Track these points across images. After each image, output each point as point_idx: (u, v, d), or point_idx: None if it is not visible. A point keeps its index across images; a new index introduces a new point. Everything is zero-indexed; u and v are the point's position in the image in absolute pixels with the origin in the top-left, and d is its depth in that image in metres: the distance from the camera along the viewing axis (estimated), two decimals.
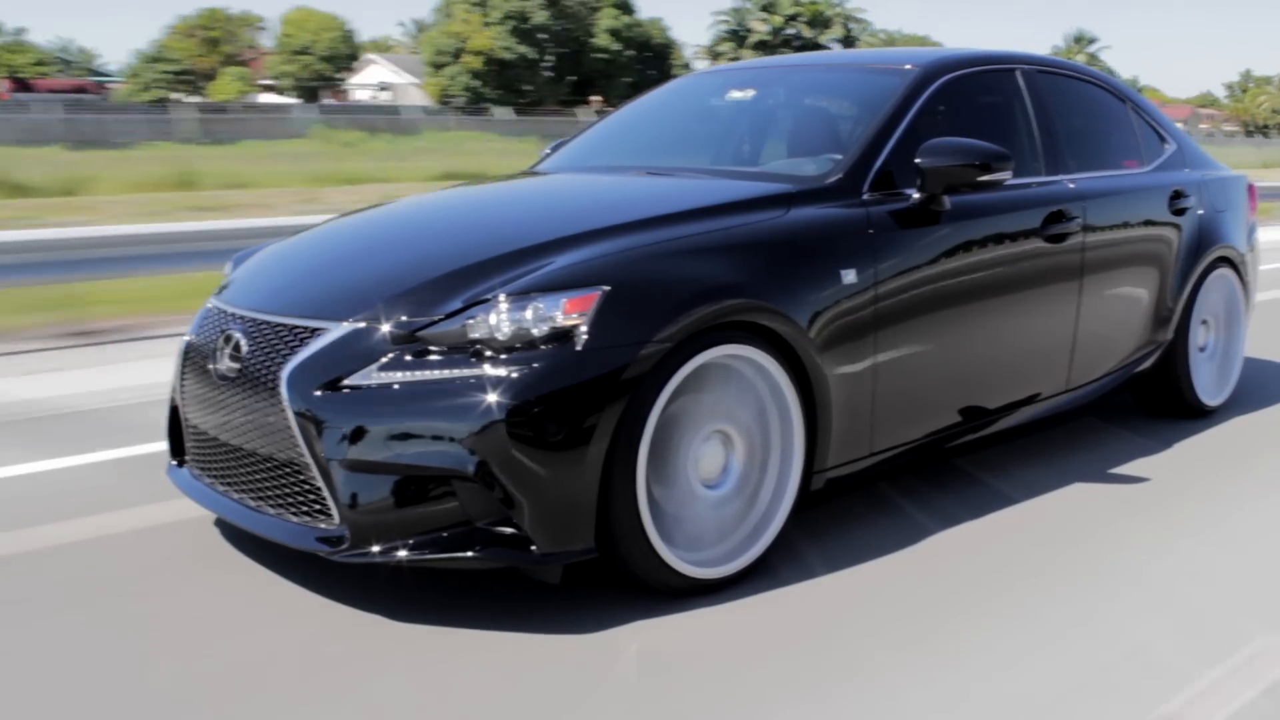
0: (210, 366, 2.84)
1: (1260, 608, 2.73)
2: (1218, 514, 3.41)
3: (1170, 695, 2.27)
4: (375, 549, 2.50)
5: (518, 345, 2.48)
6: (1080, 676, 2.35)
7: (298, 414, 2.54)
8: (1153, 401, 4.48)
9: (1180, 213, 4.32)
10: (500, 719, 2.17)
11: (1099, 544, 3.12)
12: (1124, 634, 2.55)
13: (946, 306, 3.27)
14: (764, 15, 56.30)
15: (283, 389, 2.57)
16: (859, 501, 3.40)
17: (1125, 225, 4.06)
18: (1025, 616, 2.64)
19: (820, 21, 56.67)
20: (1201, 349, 4.55)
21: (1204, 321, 4.55)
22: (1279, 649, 2.50)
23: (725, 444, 2.82)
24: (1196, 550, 3.10)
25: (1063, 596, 2.76)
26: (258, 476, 2.74)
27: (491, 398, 2.43)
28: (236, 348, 2.77)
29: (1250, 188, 4.96)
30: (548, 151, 4.34)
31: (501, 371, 2.45)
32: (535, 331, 2.49)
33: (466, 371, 2.47)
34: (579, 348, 2.48)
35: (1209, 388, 4.56)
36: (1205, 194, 4.50)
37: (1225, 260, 4.57)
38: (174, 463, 3.16)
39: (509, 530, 2.47)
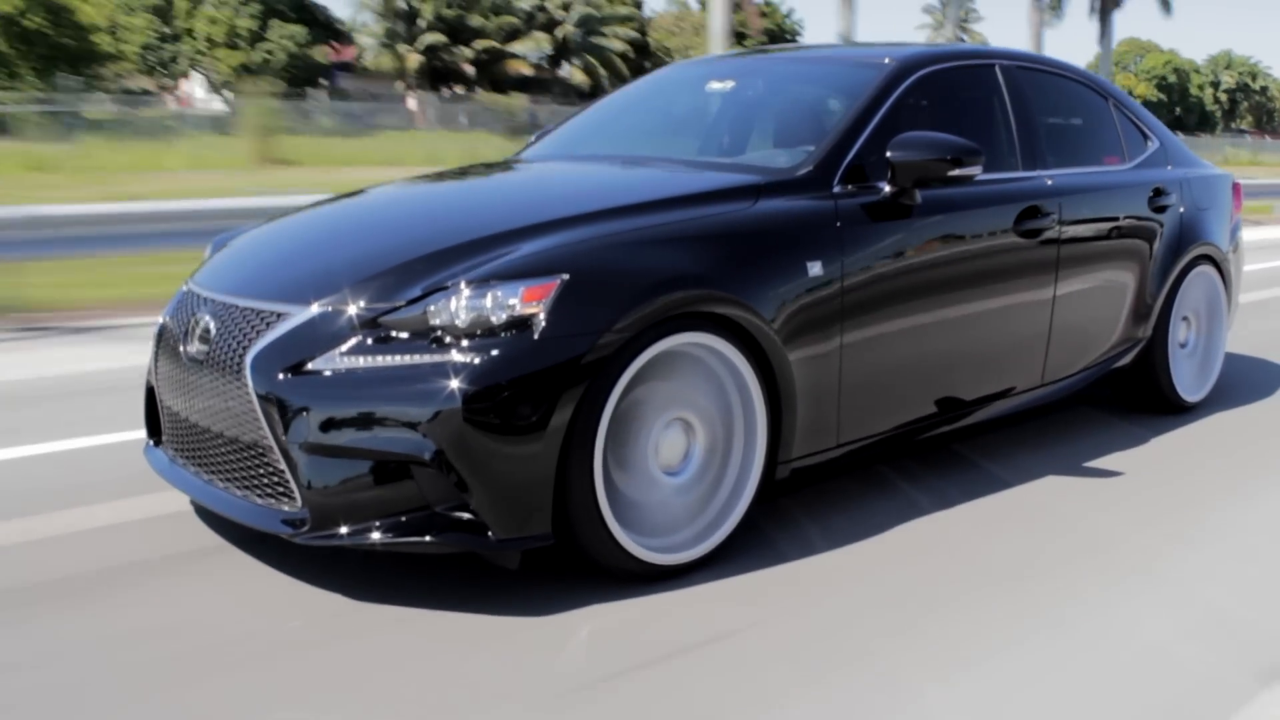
0: (181, 349, 2.89)
1: (1248, 589, 2.78)
2: (1205, 501, 3.44)
3: (1172, 682, 2.33)
4: (336, 532, 2.54)
5: (477, 332, 2.52)
6: (1077, 660, 2.40)
7: (261, 397, 2.58)
8: (1132, 397, 4.50)
9: (1161, 210, 4.33)
10: (454, 700, 2.21)
11: (1091, 528, 3.16)
12: (1120, 617, 2.59)
13: (915, 300, 3.29)
14: None
15: (247, 372, 2.61)
16: (851, 480, 3.44)
17: (1103, 222, 4.07)
18: (1022, 600, 2.70)
19: None
20: (1182, 345, 4.57)
21: (1184, 318, 4.57)
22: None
23: (687, 431, 2.85)
24: (1181, 534, 3.16)
25: (1059, 580, 2.82)
26: (226, 459, 2.78)
27: (450, 384, 2.46)
28: (206, 331, 2.81)
29: (1235, 186, 4.96)
30: (532, 140, 4.37)
31: (460, 358, 2.49)
32: (494, 319, 2.52)
33: (426, 358, 2.50)
34: (536, 335, 2.52)
35: (1189, 384, 4.58)
36: (1187, 192, 4.50)
37: (1206, 258, 4.58)
38: (150, 443, 3.20)
39: (466, 515, 2.51)
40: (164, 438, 3.12)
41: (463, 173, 3.99)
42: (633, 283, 2.65)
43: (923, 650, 2.44)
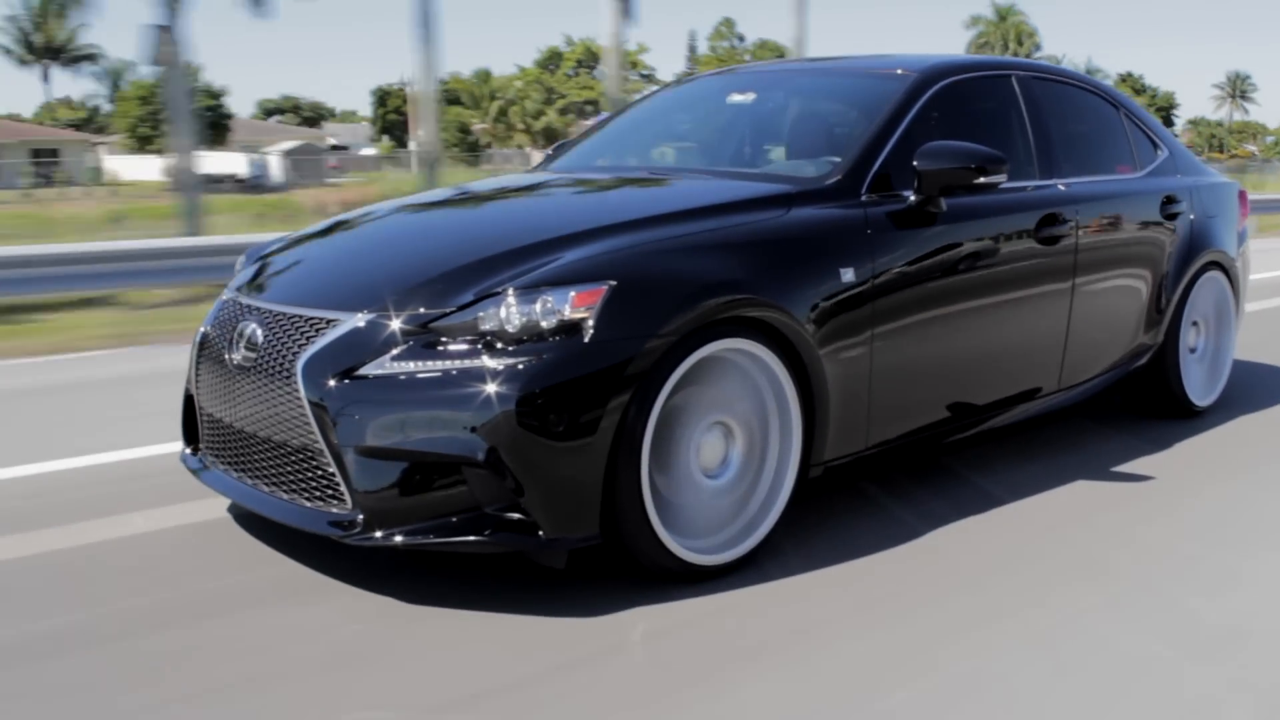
0: (226, 356, 2.93)
1: (1248, 610, 2.82)
2: (1209, 514, 3.50)
3: (1170, 700, 2.32)
4: (386, 533, 2.58)
5: (527, 337, 2.57)
6: (1070, 677, 2.43)
7: (312, 402, 2.62)
8: (1143, 402, 4.57)
9: (1172, 217, 4.41)
10: (510, 700, 2.26)
11: (1088, 544, 3.21)
12: (1113, 635, 2.63)
13: (941, 305, 3.36)
14: None
15: (298, 378, 2.65)
16: (846, 499, 3.48)
17: (1117, 229, 4.15)
18: (1015, 621, 2.72)
19: None
20: (1192, 350, 4.65)
21: (1194, 324, 4.65)
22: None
23: (725, 435, 2.90)
24: (1192, 551, 3.19)
25: (1053, 601, 2.84)
26: (272, 463, 2.82)
27: (501, 388, 2.51)
28: (253, 338, 2.85)
29: (1241, 194, 5.06)
30: (550, 153, 4.43)
31: (511, 362, 2.54)
32: (544, 324, 2.57)
33: (477, 362, 2.55)
34: (586, 340, 2.57)
35: (1199, 389, 4.65)
36: (1196, 199, 4.59)
37: (1216, 264, 4.66)
38: (187, 450, 3.24)
39: (517, 516, 2.56)
40: (202, 445, 3.15)
41: (499, 184, 4.04)
42: (677, 289, 2.71)
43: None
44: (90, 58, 59.48)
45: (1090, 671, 2.39)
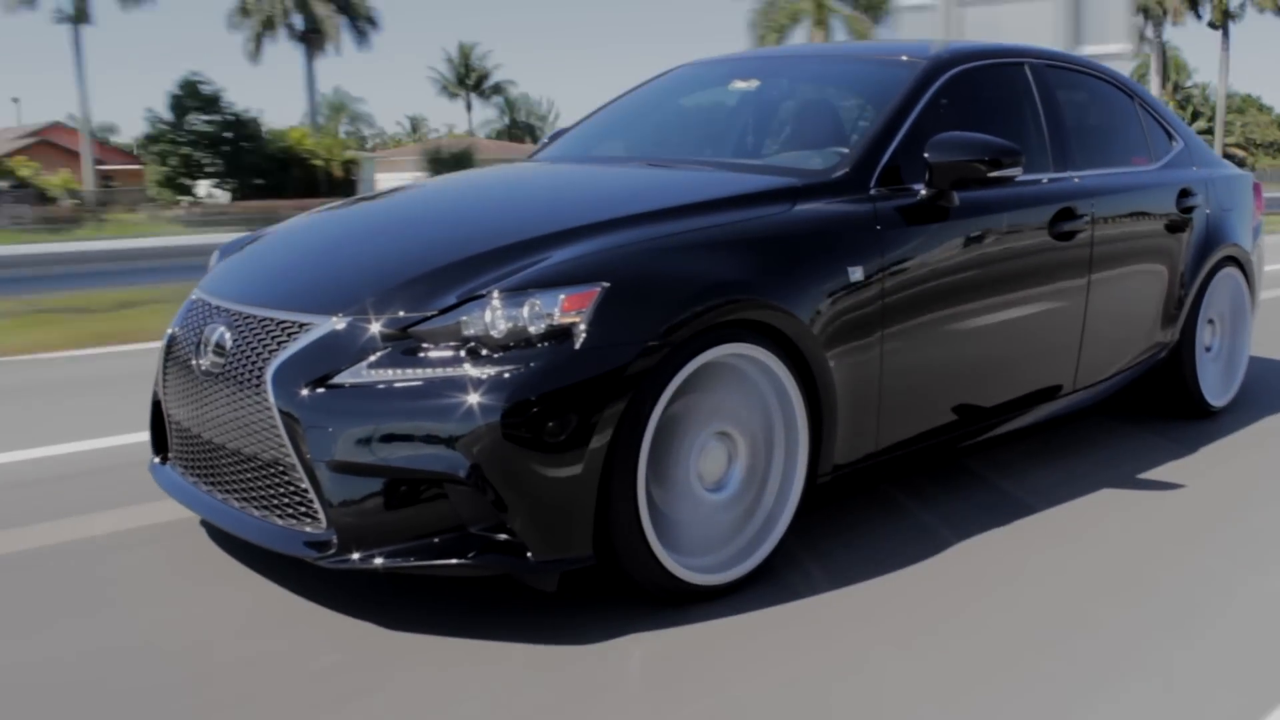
0: (193, 361, 2.74)
1: None
2: (1240, 526, 3.33)
3: None
4: (364, 555, 2.40)
5: (513, 343, 2.38)
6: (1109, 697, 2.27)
7: (283, 412, 2.43)
8: (1157, 402, 4.41)
9: (1188, 211, 4.24)
10: None
11: (1125, 554, 3.04)
12: (1136, 647, 2.47)
13: (954, 304, 3.19)
14: None
15: (268, 386, 2.47)
16: (869, 508, 3.31)
17: (1134, 223, 3.98)
18: (1046, 635, 2.56)
19: None
20: (1207, 349, 4.48)
21: (1210, 321, 4.48)
22: None
23: (728, 446, 2.73)
24: (1221, 566, 3.02)
25: (1090, 616, 2.68)
26: (242, 476, 2.64)
27: (486, 398, 2.33)
28: (221, 342, 2.67)
29: (1256, 186, 4.89)
30: (545, 140, 4.24)
31: (497, 371, 2.35)
32: (532, 329, 2.39)
33: (460, 370, 2.37)
34: (578, 346, 2.38)
35: (1214, 388, 4.49)
36: (1212, 192, 4.42)
37: (1232, 259, 4.50)
38: (156, 459, 3.05)
39: (503, 536, 2.38)
40: (171, 454, 2.97)
41: (486, 173, 3.85)
42: (675, 290, 2.53)
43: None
44: None
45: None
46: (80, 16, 34.30)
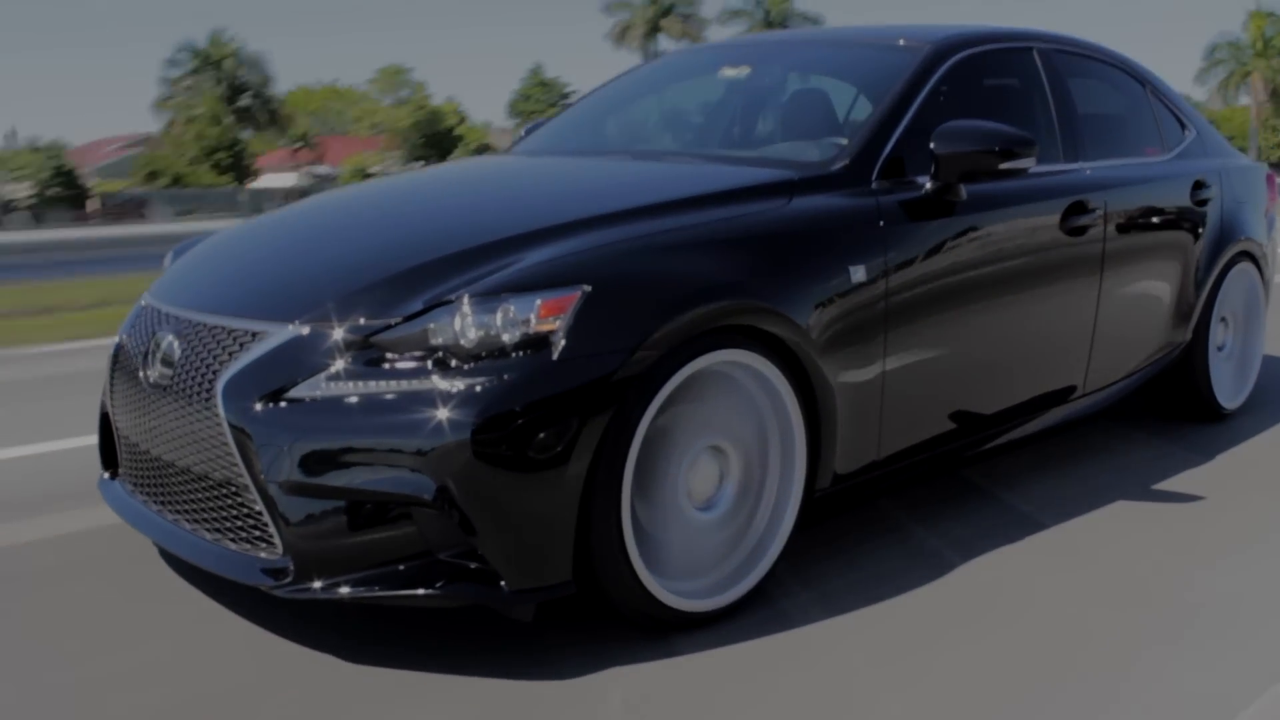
0: (141, 373, 2.53)
1: None
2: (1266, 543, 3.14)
3: None
4: (323, 584, 2.19)
5: (485, 353, 2.17)
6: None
7: (235, 428, 2.23)
8: (1167, 404, 4.22)
9: (1202, 204, 4.04)
10: None
11: (1145, 574, 2.85)
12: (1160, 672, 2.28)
13: (963, 305, 2.99)
14: None
15: (218, 400, 2.26)
16: (864, 527, 3.11)
17: (1147, 217, 3.78)
18: (1060, 660, 2.37)
19: None
20: (1220, 348, 4.29)
21: (1223, 319, 4.29)
22: None
23: (719, 461, 2.52)
24: (1241, 580, 2.83)
25: (1100, 635, 2.49)
26: (193, 497, 2.43)
27: (455, 413, 2.12)
28: (169, 352, 2.45)
29: (1270, 177, 4.70)
30: (523, 133, 4.02)
31: (467, 383, 2.14)
32: (506, 337, 2.18)
33: (427, 383, 2.16)
34: (555, 355, 2.18)
35: (1226, 389, 4.30)
36: (1226, 183, 4.22)
37: (1247, 254, 4.30)
38: (105, 475, 2.84)
39: (474, 564, 2.17)
40: (121, 470, 2.76)
41: (457, 167, 3.64)
42: (662, 293, 2.32)
43: None
44: None
45: None
46: None
